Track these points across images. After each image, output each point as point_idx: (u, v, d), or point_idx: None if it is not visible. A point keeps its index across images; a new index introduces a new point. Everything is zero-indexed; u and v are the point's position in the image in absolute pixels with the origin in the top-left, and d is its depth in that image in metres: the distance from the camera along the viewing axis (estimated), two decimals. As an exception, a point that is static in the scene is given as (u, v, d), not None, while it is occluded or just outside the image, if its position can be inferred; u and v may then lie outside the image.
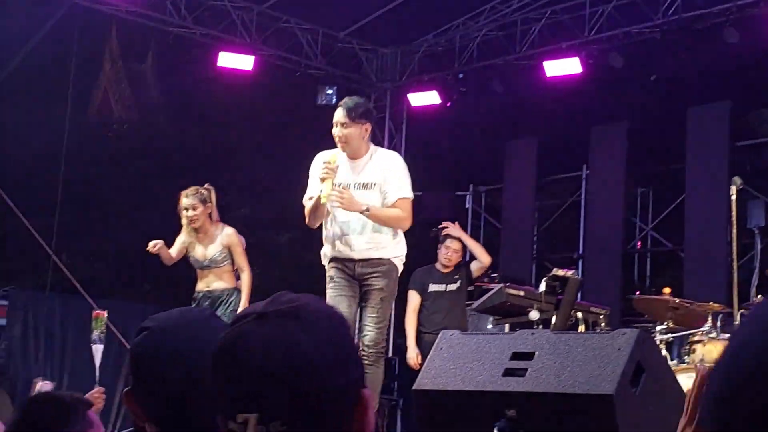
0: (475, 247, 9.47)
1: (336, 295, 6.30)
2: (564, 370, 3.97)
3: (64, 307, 12.64)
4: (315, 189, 6.33)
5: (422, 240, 16.13)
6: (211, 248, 7.79)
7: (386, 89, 14.26)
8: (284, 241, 16.48)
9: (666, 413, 4.11)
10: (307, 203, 6.39)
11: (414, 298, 9.06)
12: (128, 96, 12.84)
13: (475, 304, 7.79)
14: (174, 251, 7.89)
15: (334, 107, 14.77)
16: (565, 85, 12.26)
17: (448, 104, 13.50)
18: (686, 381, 6.11)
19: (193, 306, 7.83)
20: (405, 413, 11.64)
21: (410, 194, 6.42)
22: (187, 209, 7.72)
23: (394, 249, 6.38)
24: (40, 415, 2.86)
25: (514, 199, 13.79)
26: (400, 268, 6.45)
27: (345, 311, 6.10)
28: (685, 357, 6.92)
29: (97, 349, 5.40)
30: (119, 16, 12.19)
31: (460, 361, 4.31)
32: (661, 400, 4.10)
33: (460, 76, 13.41)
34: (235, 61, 12.71)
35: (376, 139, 14.39)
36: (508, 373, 4.13)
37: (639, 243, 13.63)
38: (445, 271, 9.12)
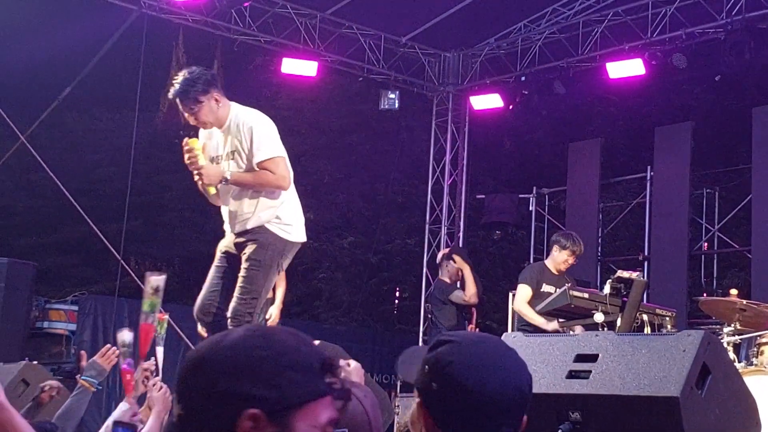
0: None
1: (213, 266, 5.99)
2: (628, 372, 3.94)
3: (132, 312, 12.82)
4: None
5: (487, 242, 16.17)
6: None
7: (448, 93, 14.29)
8: (347, 245, 16.58)
9: (733, 415, 4.08)
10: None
11: (526, 292, 8.54)
12: (194, 103, 13.01)
13: (540, 306, 7.75)
14: None
15: (397, 112, 14.79)
16: (628, 86, 12.19)
17: (511, 107, 13.47)
18: (754, 383, 6.05)
19: None
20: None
21: (273, 153, 5.69)
22: None
23: (268, 213, 5.80)
24: None
25: (578, 201, 13.71)
26: (283, 235, 5.84)
27: (211, 281, 5.89)
28: (753, 359, 6.85)
29: (159, 351, 5.49)
30: (186, 24, 12.39)
31: (523, 364, 4.29)
32: (728, 403, 4.06)
33: (523, 78, 13.38)
34: (299, 67, 12.84)
35: (439, 144, 14.46)
36: (572, 375, 4.11)
37: (705, 244, 13.48)
38: (557, 273, 8.69)
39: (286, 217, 5.88)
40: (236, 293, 5.77)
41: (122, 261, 11.53)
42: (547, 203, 14.56)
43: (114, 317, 12.87)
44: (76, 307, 13.10)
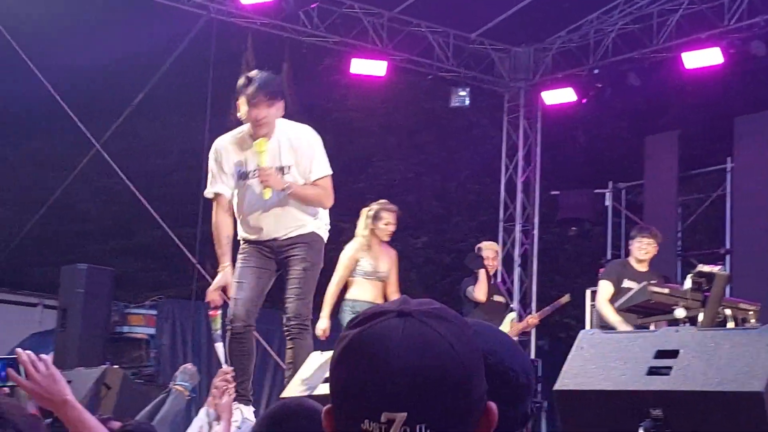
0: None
1: (243, 267, 5.95)
2: (710, 368, 3.83)
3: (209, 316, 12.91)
4: (220, 183, 6.04)
5: (562, 239, 15.96)
6: (384, 263, 8.24)
7: (520, 89, 14.14)
8: (420, 245, 16.52)
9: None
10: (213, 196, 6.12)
11: (607, 288, 8.55)
12: (265, 106, 13.08)
13: (618, 302, 7.61)
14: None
15: (467, 109, 14.67)
16: (705, 76, 11.93)
17: (584, 101, 13.28)
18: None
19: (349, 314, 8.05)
20: (549, 415, 11.56)
21: (328, 171, 5.89)
22: (388, 224, 8.44)
23: (318, 220, 5.97)
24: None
25: (656, 195, 13.45)
26: (325, 237, 6.05)
27: (251, 282, 5.88)
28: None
29: (219, 346, 5.57)
30: (254, 28, 12.43)
31: (602, 361, 4.20)
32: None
33: (596, 71, 13.18)
34: (368, 67, 12.83)
35: (511, 140, 14.32)
36: (653, 371, 4.02)
37: (790, 236, 13.11)
38: (640, 268, 8.63)
39: (327, 220, 6.09)
40: (294, 294, 5.83)
41: (198, 264, 11.62)
42: (623, 198, 14.29)
43: (192, 321, 12.99)
44: (154, 312, 13.27)
